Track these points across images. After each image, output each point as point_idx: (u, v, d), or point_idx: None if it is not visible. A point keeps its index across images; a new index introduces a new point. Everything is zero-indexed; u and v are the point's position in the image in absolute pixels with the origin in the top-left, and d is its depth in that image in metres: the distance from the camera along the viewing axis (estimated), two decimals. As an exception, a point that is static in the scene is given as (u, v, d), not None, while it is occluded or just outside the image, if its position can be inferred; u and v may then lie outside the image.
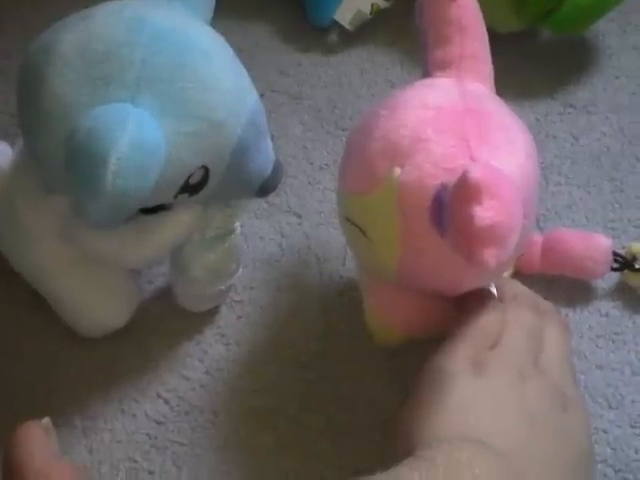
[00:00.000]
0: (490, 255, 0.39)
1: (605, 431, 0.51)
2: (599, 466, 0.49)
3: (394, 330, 0.51)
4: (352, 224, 0.47)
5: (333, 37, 0.75)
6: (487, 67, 0.49)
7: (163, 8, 0.47)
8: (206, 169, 0.46)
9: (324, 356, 0.54)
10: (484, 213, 0.38)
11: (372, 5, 0.72)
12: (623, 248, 0.58)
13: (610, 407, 0.52)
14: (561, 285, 0.57)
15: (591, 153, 0.66)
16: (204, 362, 0.54)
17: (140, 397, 0.53)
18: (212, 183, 0.47)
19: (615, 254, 0.56)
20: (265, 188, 0.51)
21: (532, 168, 0.46)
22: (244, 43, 0.72)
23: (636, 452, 0.50)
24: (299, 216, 0.62)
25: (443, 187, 0.41)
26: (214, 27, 0.74)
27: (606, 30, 0.75)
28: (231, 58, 0.48)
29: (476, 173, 0.38)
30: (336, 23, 0.73)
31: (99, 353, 0.54)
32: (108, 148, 0.40)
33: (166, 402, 0.52)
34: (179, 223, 0.49)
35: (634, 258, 0.56)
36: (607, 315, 0.56)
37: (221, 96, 0.45)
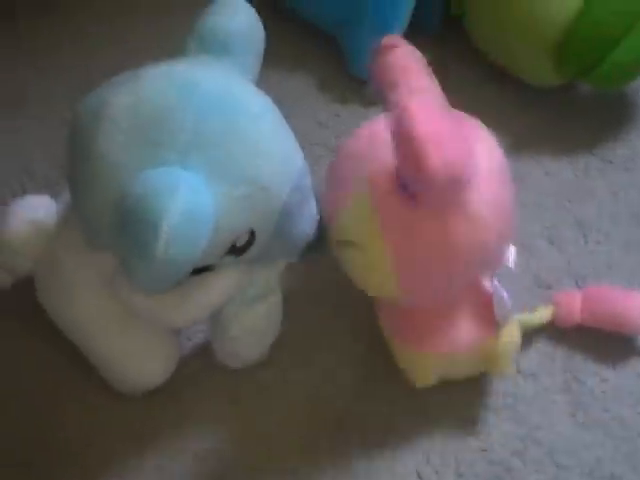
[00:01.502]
0: (436, 159, 0.40)
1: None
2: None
3: (422, 357, 0.51)
4: (343, 244, 0.48)
5: (372, 88, 0.75)
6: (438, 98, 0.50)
7: (213, 69, 0.47)
8: (252, 232, 0.46)
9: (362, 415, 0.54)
10: (422, 126, 0.41)
11: (411, 57, 0.72)
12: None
13: (652, 476, 0.52)
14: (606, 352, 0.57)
15: (631, 210, 0.65)
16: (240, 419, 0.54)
17: (176, 455, 0.53)
18: (257, 245, 0.47)
19: None
20: (310, 249, 0.51)
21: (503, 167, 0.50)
22: (282, 94, 0.72)
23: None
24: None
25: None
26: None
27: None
28: (279, 121, 0.48)
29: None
30: (375, 74, 0.73)
31: (136, 407, 0.54)
32: (160, 216, 0.40)
33: (203, 460, 0.52)
34: (223, 284, 0.49)
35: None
36: (649, 379, 0.56)
37: (269, 160, 0.45)
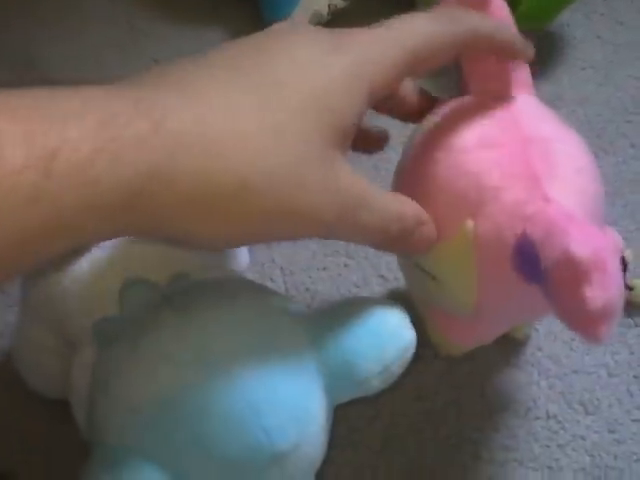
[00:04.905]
0: (606, 331, 0.35)
1: (582, 437, 0.50)
2: (577, 474, 0.48)
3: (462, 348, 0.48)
4: (422, 270, 0.42)
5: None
6: (527, 69, 0.43)
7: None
8: None
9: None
10: (595, 293, 0.34)
11: (329, 5, 0.70)
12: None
13: (587, 413, 0.51)
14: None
15: (559, 148, 0.64)
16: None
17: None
18: None
19: None
20: None
21: (600, 190, 0.41)
22: (198, 48, 0.70)
23: (615, 459, 0.49)
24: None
25: (524, 236, 0.37)
26: (168, 33, 0.73)
27: (571, 20, 0.73)
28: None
29: (581, 251, 0.33)
30: (294, 24, 0.71)
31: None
32: None
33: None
34: None
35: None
36: (581, 316, 0.55)
37: None
